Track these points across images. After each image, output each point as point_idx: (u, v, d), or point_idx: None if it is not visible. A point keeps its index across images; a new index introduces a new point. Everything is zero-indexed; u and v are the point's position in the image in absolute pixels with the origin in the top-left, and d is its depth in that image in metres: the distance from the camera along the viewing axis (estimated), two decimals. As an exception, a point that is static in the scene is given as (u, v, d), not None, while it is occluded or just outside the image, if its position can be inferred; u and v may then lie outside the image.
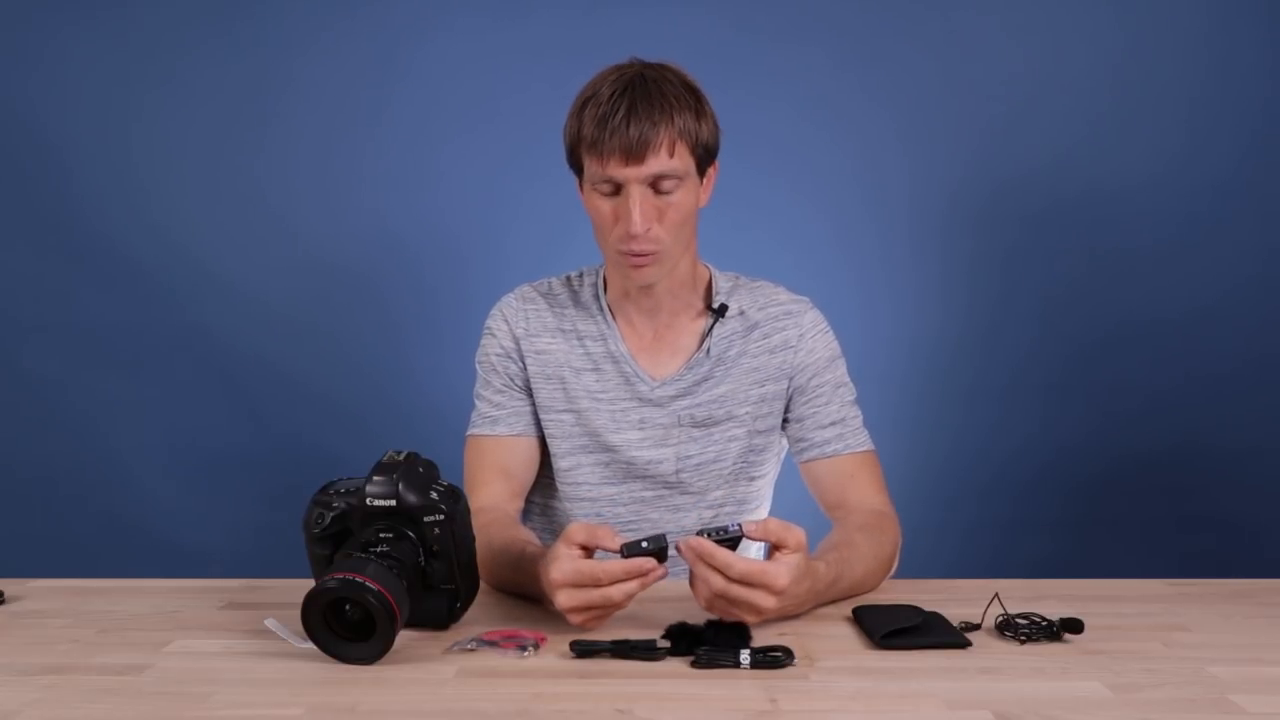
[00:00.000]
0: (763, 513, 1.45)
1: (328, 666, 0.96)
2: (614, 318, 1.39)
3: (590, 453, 1.38)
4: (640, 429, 1.37)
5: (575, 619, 1.02)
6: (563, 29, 2.07)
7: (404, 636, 1.01)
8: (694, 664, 0.95)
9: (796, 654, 0.96)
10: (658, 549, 1.00)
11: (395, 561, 0.98)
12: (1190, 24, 2.05)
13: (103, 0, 2.10)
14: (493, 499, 1.32)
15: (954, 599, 1.12)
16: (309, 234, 2.16)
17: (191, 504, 2.19)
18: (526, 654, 0.98)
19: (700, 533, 1.01)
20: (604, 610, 1.02)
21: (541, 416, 1.39)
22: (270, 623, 1.02)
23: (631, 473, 1.37)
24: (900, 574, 1.27)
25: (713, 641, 0.98)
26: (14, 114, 2.12)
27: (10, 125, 2.12)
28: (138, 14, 2.10)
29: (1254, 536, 2.08)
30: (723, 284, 1.40)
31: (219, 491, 2.19)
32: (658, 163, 1.22)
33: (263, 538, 1.86)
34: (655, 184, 1.23)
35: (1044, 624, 1.02)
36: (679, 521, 1.38)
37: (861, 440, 1.36)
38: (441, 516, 1.02)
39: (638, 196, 1.23)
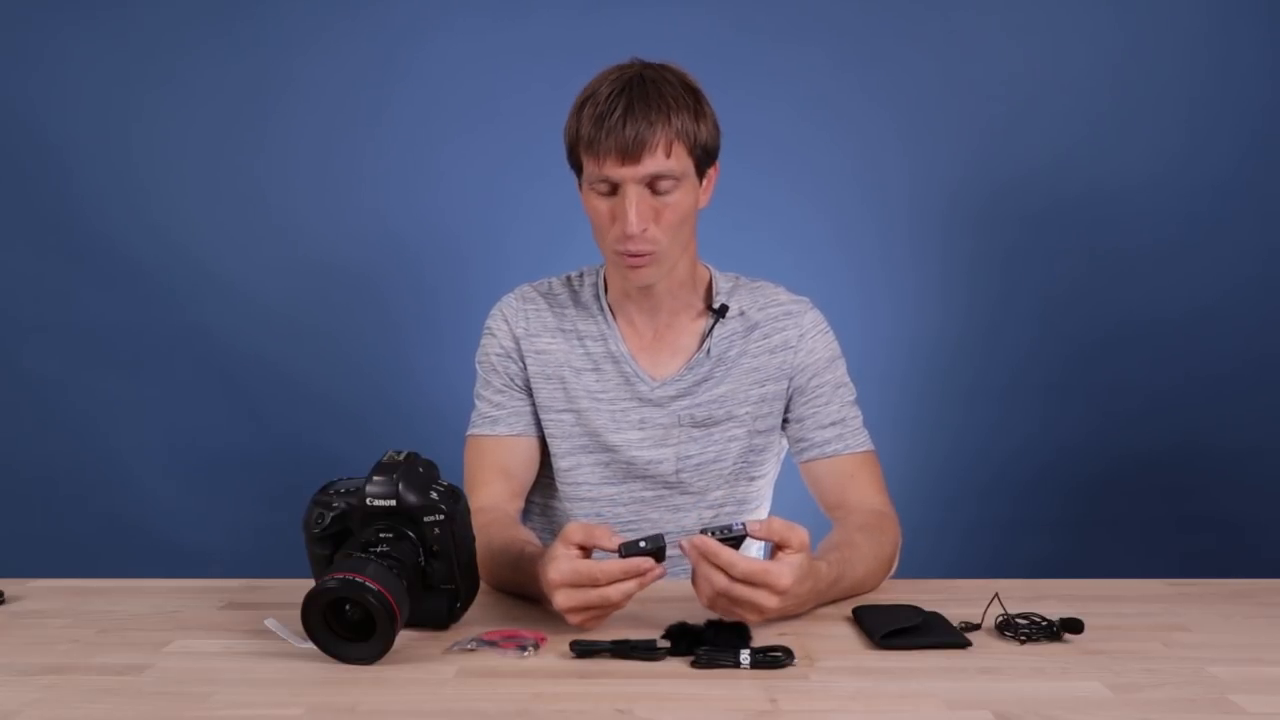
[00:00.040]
0: (763, 513, 1.45)
1: (328, 666, 0.96)
2: (614, 318, 1.39)
3: (590, 453, 1.38)
4: (640, 429, 1.37)
5: (573, 619, 1.02)
6: (563, 29, 2.07)
7: (404, 636, 1.01)
8: (694, 664, 0.95)
9: (796, 654, 0.96)
10: (655, 549, 1.00)
11: (395, 561, 0.98)
12: (1190, 24, 2.05)
13: (103, 0, 2.10)
14: (493, 499, 1.32)
15: (954, 599, 1.12)
16: (309, 234, 2.16)
17: (191, 504, 2.19)
18: (526, 654, 0.98)
19: (704, 531, 1.01)
20: (602, 610, 1.02)
21: (541, 416, 1.39)
22: (270, 623, 1.02)
23: (631, 473, 1.37)
24: (900, 574, 1.27)
25: (713, 641, 0.98)
26: (14, 114, 2.12)
27: (10, 125, 2.12)
28: (138, 14, 2.10)
29: (1254, 536, 2.08)
30: (723, 284, 1.40)
31: (219, 491, 2.19)
32: (654, 163, 1.22)
33: (263, 538, 1.86)
34: (652, 184, 1.23)
35: (1044, 624, 1.02)
36: (679, 521, 1.38)
37: (861, 440, 1.36)
38: (441, 516, 1.02)
39: (634, 197, 1.22)
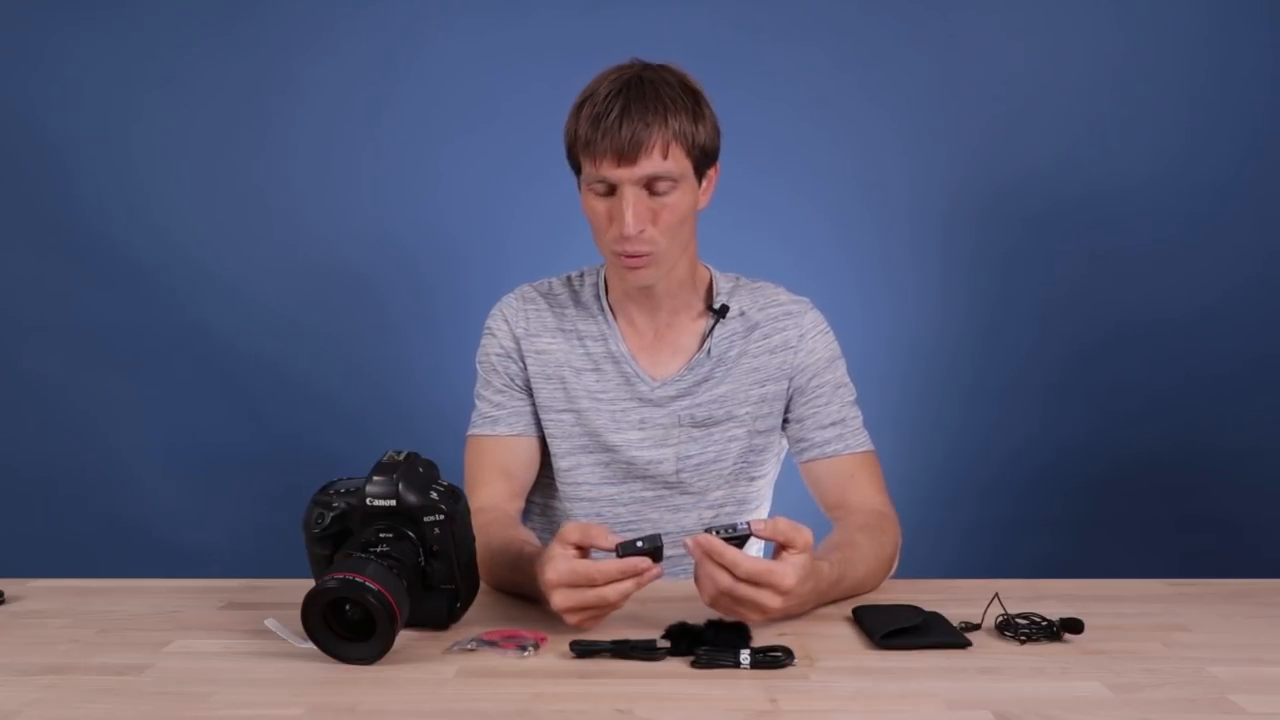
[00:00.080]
0: (763, 513, 1.45)
1: (328, 666, 0.96)
2: (615, 318, 1.39)
3: (590, 453, 1.38)
4: (640, 429, 1.37)
5: (571, 619, 1.02)
6: (563, 29, 2.07)
7: (404, 636, 1.01)
8: (694, 664, 0.95)
9: (796, 654, 0.96)
10: (653, 549, 1.00)
11: (395, 561, 0.98)
12: (1190, 24, 2.05)
13: (103, 0, 2.10)
14: (493, 499, 1.32)
15: (954, 599, 1.12)
16: (309, 234, 2.16)
17: (191, 504, 2.19)
18: (526, 654, 0.98)
19: (709, 530, 1.01)
20: (600, 610, 1.02)
21: (542, 416, 1.39)
22: (270, 623, 1.02)
23: (631, 473, 1.37)
24: (900, 574, 1.27)
25: (713, 641, 0.97)
26: (14, 114, 2.12)
27: (10, 125, 2.12)
28: (138, 14, 2.10)
29: (1254, 536, 2.08)
30: (723, 285, 1.40)
31: (219, 491, 2.19)
32: (650, 164, 1.22)
33: (263, 538, 1.86)
34: (649, 185, 1.23)
35: (1044, 624, 1.02)
36: (679, 522, 1.38)
37: (861, 440, 1.36)
38: (441, 516, 1.02)
39: (631, 198, 1.22)
